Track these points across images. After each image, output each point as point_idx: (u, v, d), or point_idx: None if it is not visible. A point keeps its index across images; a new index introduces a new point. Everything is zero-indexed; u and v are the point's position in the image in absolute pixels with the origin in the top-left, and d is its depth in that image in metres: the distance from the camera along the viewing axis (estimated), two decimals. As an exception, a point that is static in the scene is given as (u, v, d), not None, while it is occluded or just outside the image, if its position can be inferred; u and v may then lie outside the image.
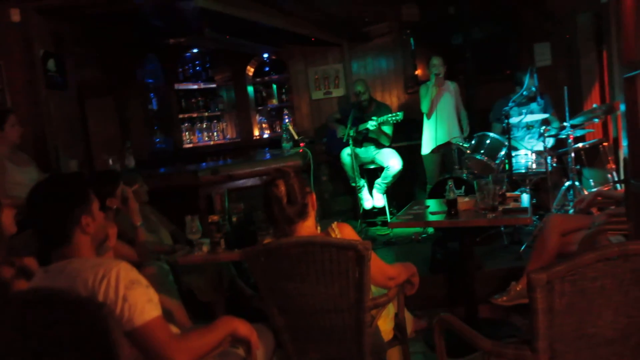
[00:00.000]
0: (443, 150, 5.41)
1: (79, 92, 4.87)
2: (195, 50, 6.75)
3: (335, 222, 2.33)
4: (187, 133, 6.74)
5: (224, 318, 2.03)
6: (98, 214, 1.89)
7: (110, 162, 4.23)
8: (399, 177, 5.57)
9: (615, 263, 1.33)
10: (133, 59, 5.82)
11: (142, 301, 1.67)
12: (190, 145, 6.66)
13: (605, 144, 4.39)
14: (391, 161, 5.49)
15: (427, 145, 5.52)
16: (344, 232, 2.29)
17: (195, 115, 6.91)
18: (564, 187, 4.50)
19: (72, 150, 4.62)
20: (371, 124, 5.32)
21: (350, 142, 5.27)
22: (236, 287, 3.79)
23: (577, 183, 4.32)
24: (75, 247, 1.81)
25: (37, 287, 1.76)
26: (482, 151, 4.56)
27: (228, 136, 7.29)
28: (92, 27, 5.12)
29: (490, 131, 4.87)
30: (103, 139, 5.06)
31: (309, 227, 2.28)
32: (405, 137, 6.15)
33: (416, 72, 6.80)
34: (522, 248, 4.13)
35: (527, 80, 4.64)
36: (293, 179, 2.23)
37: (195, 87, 6.98)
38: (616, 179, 4.23)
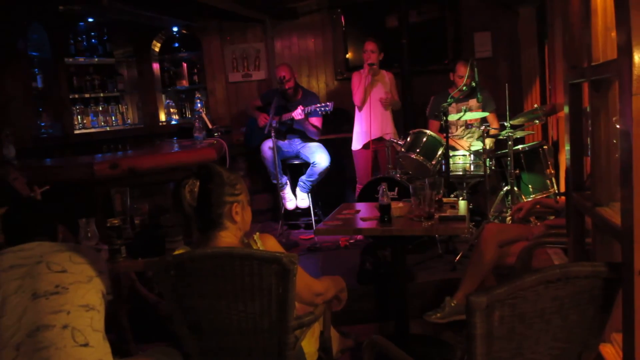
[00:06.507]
0: (375, 146, 5.52)
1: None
2: (90, 20, 6.50)
3: (258, 233, 2.35)
4: (79, 117, 6.47)
5: None
6: None
7: (-15, 150, 4.00)
8: (326, 174, 5.64)
9: (557, 285, 1.44)
10: (13, 27, 5.51)
11: None
12: (83, 131, 6.41)
13: (545, 147, 4.66)
14: (318, 157, 5.54)
15: (359, 140, 5.60)
16: (267, 243, 2.31)
17: (89, 95, 6.65)
18: (502, 192, 4.75)
19: None
20: (297, 114, 5.33)
21: (273, 133, 5.27)
22: (138, 294, 3.72)
23: (515, 188, 4.58)
24: None
25: None
26: (417, 150, 4.72)
27: (129, 121, 7.07)
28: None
29: (427, 128, 5.05)
30: (-25, 122, 4.77)
31: (225, 238, 2.28)
32: (334, 130, 6.23)
33: (347, 56, 6.91)
34: (458, 258, 4.32)
35: (467, 73, 4.86)
36: (212, 184, 2.22)
37: (90, 62, 6.72)
38: (555, 185, 4.52)
